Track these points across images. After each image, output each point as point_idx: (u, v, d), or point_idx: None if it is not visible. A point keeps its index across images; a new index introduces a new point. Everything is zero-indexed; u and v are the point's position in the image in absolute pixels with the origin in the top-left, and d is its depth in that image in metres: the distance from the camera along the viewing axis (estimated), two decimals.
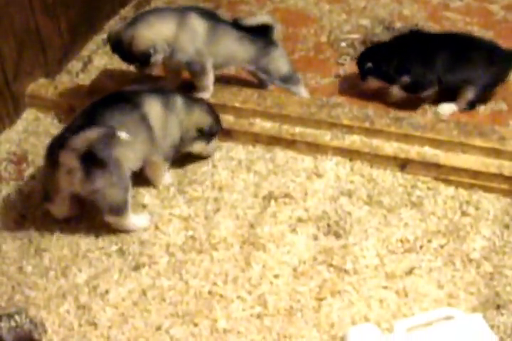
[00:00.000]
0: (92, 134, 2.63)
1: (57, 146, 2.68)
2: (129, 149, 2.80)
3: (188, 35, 3.13)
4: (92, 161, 2.67)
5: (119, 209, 2.79)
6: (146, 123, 2.86)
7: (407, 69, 3.32)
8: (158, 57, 3.10)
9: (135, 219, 2.87)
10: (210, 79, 3.24)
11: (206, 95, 3.25)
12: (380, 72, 3.35)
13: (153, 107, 2.89)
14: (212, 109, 3.13)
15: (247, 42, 3.26)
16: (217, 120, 3.13)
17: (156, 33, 3.08)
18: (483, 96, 3.38)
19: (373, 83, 3.41)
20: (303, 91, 3.44)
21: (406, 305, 2.56)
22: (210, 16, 3.23)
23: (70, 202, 2.85)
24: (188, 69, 3.22)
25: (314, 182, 3.03)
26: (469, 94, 3.32)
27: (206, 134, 3.09)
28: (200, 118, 3.07)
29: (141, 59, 3.10)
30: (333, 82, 3.48)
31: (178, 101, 3.00)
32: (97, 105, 2.85)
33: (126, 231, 2.86)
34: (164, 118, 2.93)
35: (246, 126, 3.24)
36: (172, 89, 3.14)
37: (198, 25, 3.16)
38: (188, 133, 3.05)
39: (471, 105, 3.37)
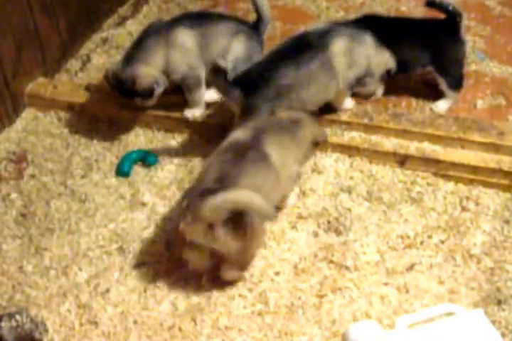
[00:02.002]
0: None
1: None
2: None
3: (177, 53, 3.17)
4: None
5: None
6: (330, 66, 2.96)
7: None
8: (160, 90, 3.16)
9: None
10: (202, 94, 3.24)
11: (198, 112, 3.24)
12: None
13: (337, 46, 2.98)
14: None
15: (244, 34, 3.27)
16: None
17: (153, 67, 3.14)
18: (460, 69, 3.27)
19: None
20: None
21: (407, 301, 2.56)
22: (201, 21, 3.22)
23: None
24: (182, 84, 3.23)
25: (314, 179, 3.03)
26: (439, 75, 3.27)
27: None
28: None
29: (145, 95, 3.16)
30: None
31: (367, 39, 3.07)
32: (279, 52, 3.02)
33: (127, 230, 2.87)
34: (350, 51, 3.01)
35: None
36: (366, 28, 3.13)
37: (186, 39, 3.18)
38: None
39: (456, 83, 3.26)
